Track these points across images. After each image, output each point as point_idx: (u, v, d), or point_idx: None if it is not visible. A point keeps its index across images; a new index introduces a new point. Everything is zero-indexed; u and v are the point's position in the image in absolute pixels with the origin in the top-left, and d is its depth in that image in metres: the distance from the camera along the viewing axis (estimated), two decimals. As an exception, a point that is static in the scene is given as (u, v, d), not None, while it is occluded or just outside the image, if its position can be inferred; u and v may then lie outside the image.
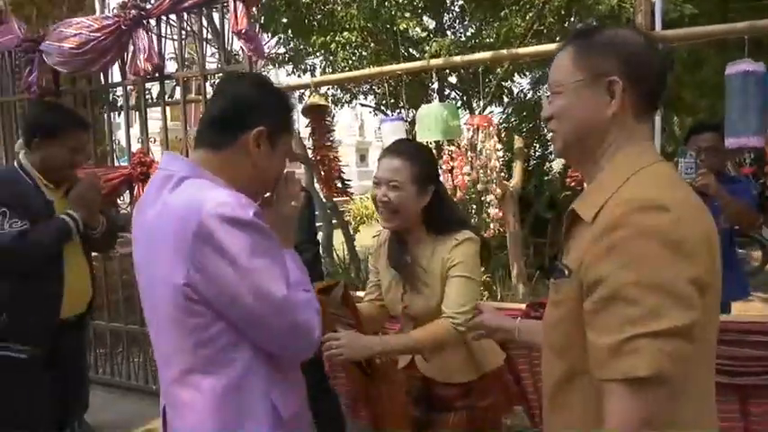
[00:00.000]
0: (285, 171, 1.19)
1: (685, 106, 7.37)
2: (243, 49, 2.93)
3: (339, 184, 2.89)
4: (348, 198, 3.05)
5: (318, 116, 2.86)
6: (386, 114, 5.26)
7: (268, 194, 1.19)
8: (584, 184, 2.42)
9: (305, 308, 1.02)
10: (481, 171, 2.79)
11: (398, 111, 5.47)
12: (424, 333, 1.43)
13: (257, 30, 5.02)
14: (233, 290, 0.95)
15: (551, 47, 2.67)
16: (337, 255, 6.35)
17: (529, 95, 7.24)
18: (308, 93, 3.08)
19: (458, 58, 2.99)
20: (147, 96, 3.57)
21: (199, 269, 0.95)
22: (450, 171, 2.81)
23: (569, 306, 0.88)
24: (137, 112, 3.65)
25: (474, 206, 2.87)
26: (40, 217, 1.95)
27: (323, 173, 2.88)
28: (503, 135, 6.63)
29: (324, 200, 5.72)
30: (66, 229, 1.96)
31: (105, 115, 3.65)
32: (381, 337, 1.47)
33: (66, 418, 2.21)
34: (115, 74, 3.58)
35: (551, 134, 0.98)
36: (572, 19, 5.49)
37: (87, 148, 2.13)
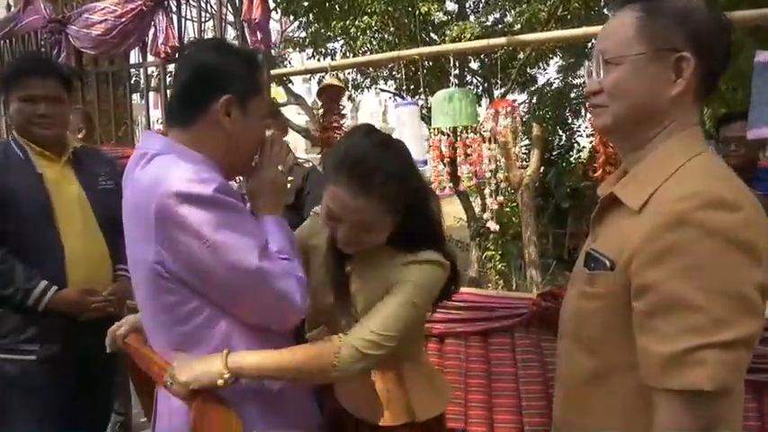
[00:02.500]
0: (269, 134, 1.14)
1: (720, 97, 7.14)
2: (248, 36, 2.92)
3: None
4: None
5: (331, 98, 2.86)
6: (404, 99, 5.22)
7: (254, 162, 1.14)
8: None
9: (283, 276, 0.99)
10: (501, 159, 2.76)
11: (417, 96, 5.44)
12: (307, 355, 1.01)
13: (276, 16, 4.99)
14: (203, 265, 0.94)
15: (572, 32, 2.62)
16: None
17: (555, 84, 7.12)
18: (327, 77, 3.07)
19: (474, 43, 2.94)
20: (167, 78, 3.61)
21: (167, 247, 0.94)
22: (467, 157, 2.79)
23: (610, 301, 0.81)
24: (158, 94, 3.70)
25: (489, 195, 2.83)
26: (26, 194, 1.66)
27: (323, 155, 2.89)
28: (528, 123, 6.56)
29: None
30: (20, 295, 1.62)
31: (127, 96, 3.72)
32: (232, 357, 0.96)
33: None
34: (137, 54, 3.63)
35: (596, 109, 0.86)
36: (600, 5, 5.35)
37: (60, 97, 1.73)
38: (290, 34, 8.50)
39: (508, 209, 2.69)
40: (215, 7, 3.35)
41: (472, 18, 6.34)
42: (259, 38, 2.87)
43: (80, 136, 2.61)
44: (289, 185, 1.18)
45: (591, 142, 3.36)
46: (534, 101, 7.08)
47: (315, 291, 1.18)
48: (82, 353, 1.68)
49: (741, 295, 0.69)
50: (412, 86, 5.50)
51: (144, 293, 1.03)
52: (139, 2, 3.25)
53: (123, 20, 3.28)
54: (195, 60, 1.05)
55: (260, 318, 1.02)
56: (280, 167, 1.11)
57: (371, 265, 1.16)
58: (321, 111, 2.93)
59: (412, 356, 1.22)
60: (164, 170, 0.96)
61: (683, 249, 0.70)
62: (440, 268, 1.11)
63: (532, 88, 7.14)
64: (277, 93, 7.43)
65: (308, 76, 6.75)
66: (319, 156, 2.98)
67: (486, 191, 2.75)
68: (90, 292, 1.72)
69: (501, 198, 2.79)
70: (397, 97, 7.25)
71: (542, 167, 5.20)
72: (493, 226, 2.81)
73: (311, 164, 2.48)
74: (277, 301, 0.99)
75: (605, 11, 5.53)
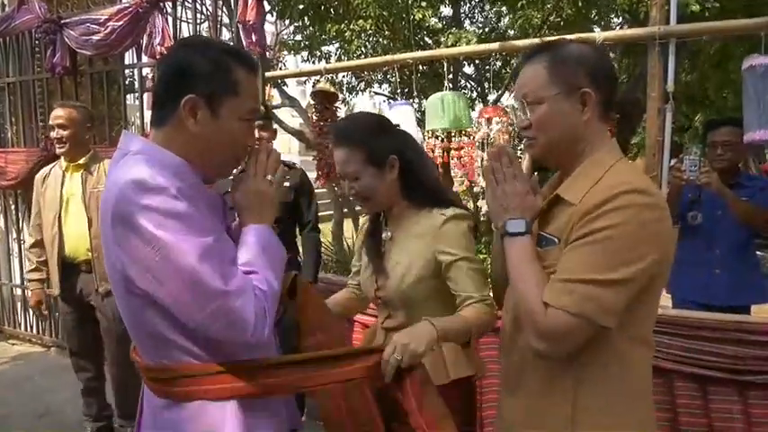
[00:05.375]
0: (259, 142, 1.12)
1: (711, 103, 7.25)
2: (243, 38, 2.93)
3: (332, 172, 2.90)
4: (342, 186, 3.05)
5: (325, 101, 2.88)
6: (399, 103, 5.24)
7: (239, 169, 1.10)
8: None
9: (238, 294, 0.93)
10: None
11: (411, 100, 5.47)
12: (473, 313, 1.28)
13: (270, 19, 5.00)
14: (152, 270, 0.92)
15: (565, 38, 2.64)
16: (347, 244, 6.39)
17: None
18: (321, 80, 3.09)
19: (467, 48, 2.97)
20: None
21: (123, 249, 0.93)
22: (460, 160, 2.81)
23: None
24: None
25: (482, 198, 2.85)
26: None
27: (318, 158, 2.90)
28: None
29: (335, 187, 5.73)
30: None
31: (121, 96, 3.71)
32: (436, 322, 1.19)
33: None
34: (131, 55, 3.63)
35: (529, 141, 1.09)
36: (592, 13, 5.41)
37: None
38: (285, 37, 8.52)
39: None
40: (210, 9, 3.35)
41: (467, 23, 6.40)
42: (254, 40, 2.88)
43: (87, 137, 2.59)
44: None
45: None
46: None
47: (363, 270, 1.49)
48: None
49: (629, 251, 0.93)
50: (406, 90, 5.53)
51: (119, 299, 1.01)
52: (135, 4, 3.26)
53: (121, 23, 3.29)
54: (165, 60, 1.03)
55: (203, 329, 0.96)
56: (269, 177, 1.07)
57: (404, 230, 1.39)
58: (314, 113, 2.94)
59: None
60: (124, 171, 0.94)
61: (602, 216, 0.94)
62: (463, 219, 1.35)
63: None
64: (270, 95, 7.44)
65: (303, 78, 6.77)
66: (314, 158, 2.99)
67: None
68: None
69: None
70: (390, 100, 7.28)
71: (535, 172, 5.25)
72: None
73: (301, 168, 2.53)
74: (222, 318, 0.93)
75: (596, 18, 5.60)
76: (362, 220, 1.59)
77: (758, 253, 2.69)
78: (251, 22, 2.82)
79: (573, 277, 0.95)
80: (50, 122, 2.54)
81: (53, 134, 2.52)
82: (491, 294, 1.32)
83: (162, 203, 0.90)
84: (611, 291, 0.93)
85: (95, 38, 3.38)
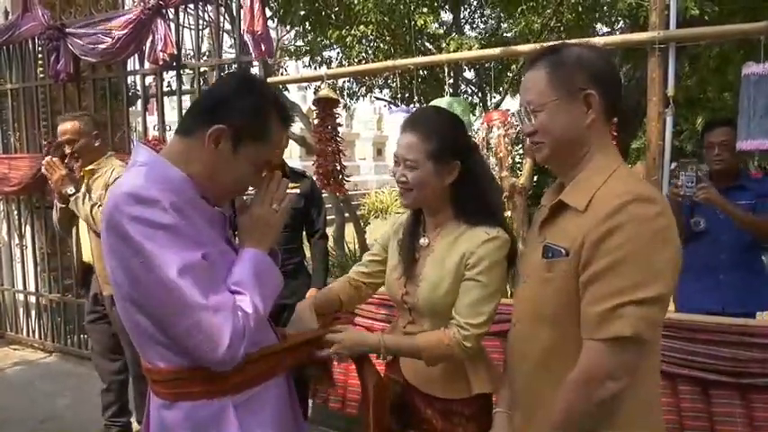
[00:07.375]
0: (273, 173, 1.13)
1: (710, 106, 7.28)
2: (251, 48, 2.94)
3: (332, 179, 2.91)
4: (342, 193, 3.06)
5: (326, 108, 2.89)
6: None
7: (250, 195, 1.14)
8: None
9: (217, 310, 0.95)
10: (494, 167, 2.78)
11: (412, 105, 5.49)
12: (428, 341, 1.28)
13: (272, 25, 5.03)
14: (137, 279, 0.94)
15: (567, 42, 2.65)
16: (349, 248, 6.40)
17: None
18: (323, 86, 3.11)
19: (468, 53, 2.98)
20: (165, 86, 3.63)
21: (114, 256, 0.96)
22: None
23: (566, 281, 1.00)
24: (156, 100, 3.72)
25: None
26: None
27: (318, 164, 2.92)
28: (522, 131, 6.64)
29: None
30: None
31: (123, 102, 3.73)
32: (382, 335, 1.34)
33: None
34: (134, 61, 3.65)
35: (536, 145, 1.08)
36: (595, 15, 5.43)
37: None
38: (285, 43, 8.55)
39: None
40: (212, 16, 3.38)
41: (467, 28, 6.42)
42: (263, 49, 2.90)
43: (97, 144, 2.58)
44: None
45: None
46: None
47: (390, 270, 1.45)
48: None
49: (654, 264, 0.93)
50: (407, 95, 5.56)
51: (117, 301, 1.03)
52: (137, 11, 3.28)
53: (125, 30, 3.32)
54: (218, 84, 1.07)
55: (180, 344, 0.98)
56: (274, 206, 1.11)
57: (443, 242, 1.35)
58: (316, 119, 2.95)
59: None
60: (123, 184, 0.97)
61: (616, 232, 0.93)
62: (503, 243, 1.30)
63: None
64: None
65: (305, 84, 6.80)
66: (314, 164, 3.00)
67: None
68: None
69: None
70: (391, 105, 7.30)
71: (535, 176, 5.24)
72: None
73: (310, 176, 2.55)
74: (197, 332, 0.95)
75: (597, 23, 5.63)
76: (393, 219, 1.53)
77: (763, 258, 2.66)
78: (259, 32, 2.84)
79: (616, 303, 0.92)
80: (59, 139, 2.56)
81: (66, 150, 2.53)
82: (480, 325, 1.27)
83: (151, 215, 0.93)
84: (655, 306, 0.93)
85: (101, 46, 3.42)
